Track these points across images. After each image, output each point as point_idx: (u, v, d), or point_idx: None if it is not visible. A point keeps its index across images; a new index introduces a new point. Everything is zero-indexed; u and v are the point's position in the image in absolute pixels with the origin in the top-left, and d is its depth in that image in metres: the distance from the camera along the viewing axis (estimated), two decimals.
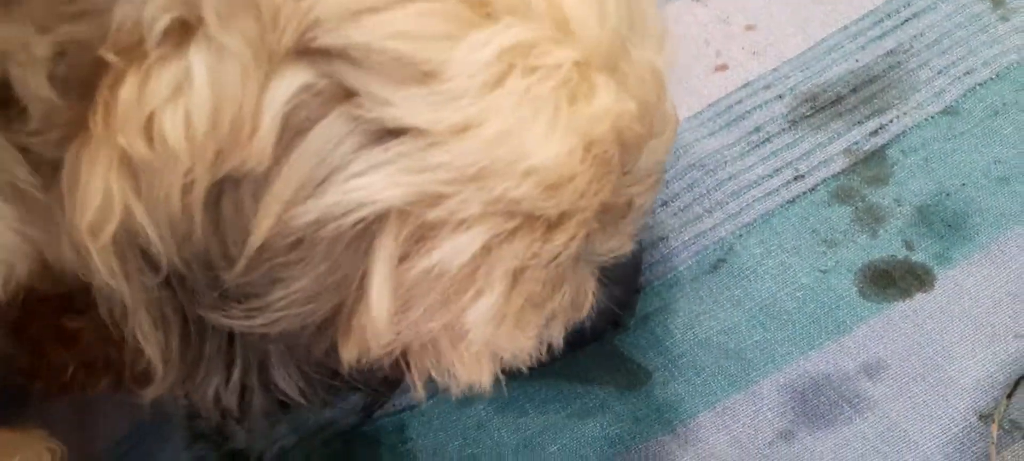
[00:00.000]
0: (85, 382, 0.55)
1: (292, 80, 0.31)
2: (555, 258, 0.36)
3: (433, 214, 0.32)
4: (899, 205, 0.57)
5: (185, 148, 0.30)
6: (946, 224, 0.56)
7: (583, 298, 0.43)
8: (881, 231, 0.56)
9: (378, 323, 0.34)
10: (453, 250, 0.33)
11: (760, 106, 0.62)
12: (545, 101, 0.32)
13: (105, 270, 0.33)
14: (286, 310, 0.34)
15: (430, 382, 0.40)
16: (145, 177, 0.31)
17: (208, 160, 0.31)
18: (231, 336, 0.36)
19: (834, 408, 0.51)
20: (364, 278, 0.33)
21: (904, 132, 0.60)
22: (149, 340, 0.35)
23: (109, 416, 0.56)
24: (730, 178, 0.60)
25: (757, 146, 0.61)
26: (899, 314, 0.53)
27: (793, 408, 0.51)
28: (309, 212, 0.31)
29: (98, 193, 0.31)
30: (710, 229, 0.58)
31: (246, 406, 0.38)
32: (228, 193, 0.32)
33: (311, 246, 0.32)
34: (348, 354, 0.36)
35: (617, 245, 0.43)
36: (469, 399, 0.54)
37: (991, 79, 0.60)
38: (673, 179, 0.60)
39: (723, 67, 0.64)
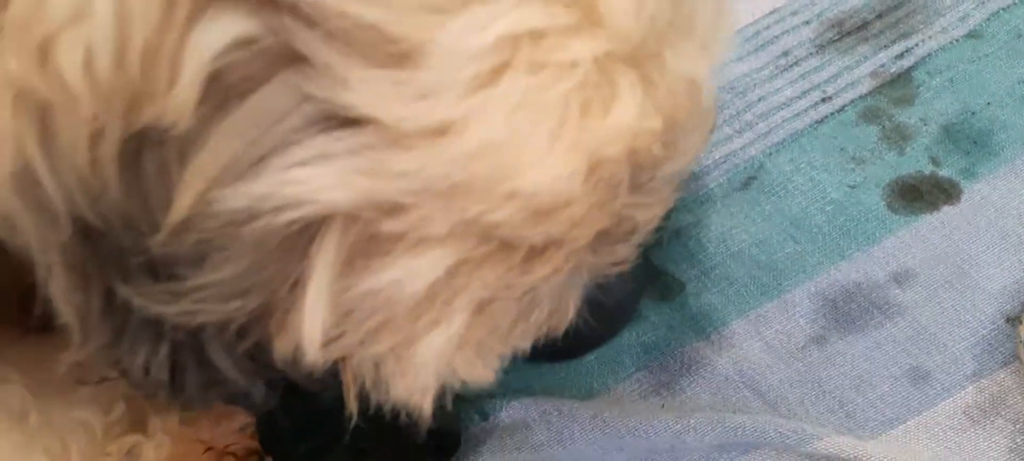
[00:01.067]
0: None
1: (227, 27, 0.25)
2: (532, 290, 0.31)
3: (388, 226, 0.27)
4: (925, 124, 0.58)
5: (87, 88, 0.25)
6: (971, 141, 0.57)
7: (562, 317, 0.37)
8: (908, 148, 0.58)
9: (310, 338, 0.29)
10: (408, 273, 0.28)
11: (788, 31, 0.63)
12: (549, 109, 0.26)
13: (9, 210, 0.28)
14: (204, 303, 0.28)
15: None
16: (44, 116, 0.26)
17: (117, 108, 0.25)
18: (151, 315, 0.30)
19: (865, 314, 0.52)
20: (298, 284, 0.28)
21: (929, 55, 0.61)
22: (65, 301, 0.29)
23: None
24: (759, 100, 0.61)
25: (785, 70, 0.62)
26: (926, 226, 0.55)
27: (825, 315, 0.53)
28: (236, 198, 0.26)
29: None
30: (740, 149, 0.59)
31: (180, 381, 0.33)
32: (150, 150, 0.26)
33: (237, 236, 0.27)
34: (282, 349, 0.31)
35: (612, 263, 0.36)
36: None
37: (1014, 3, 0.61)
38: None
39: None
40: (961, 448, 0.48)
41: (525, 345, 0.37)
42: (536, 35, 0.26)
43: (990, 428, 0.48)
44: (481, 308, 0.30)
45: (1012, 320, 0.51)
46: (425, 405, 0.34)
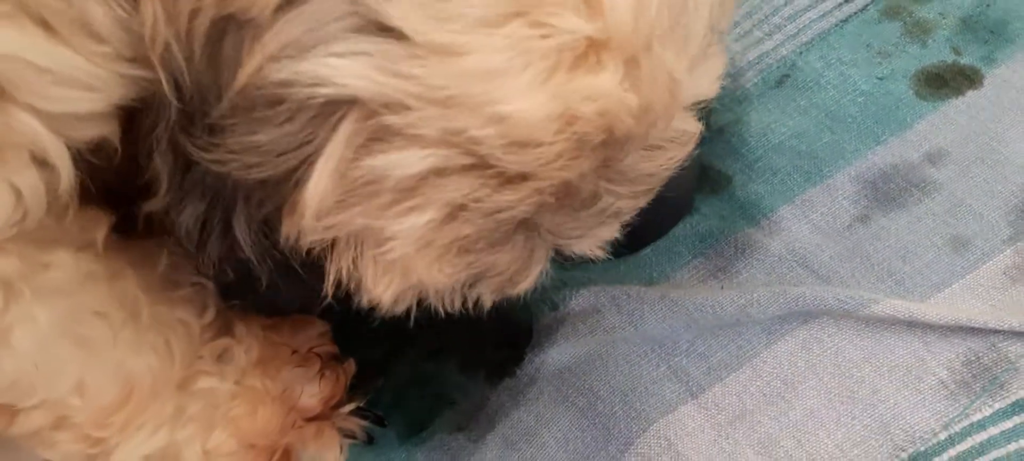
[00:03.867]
0: None
1: None
2: (498, 212, 0.35)
3: (392, 120, 0.32)
4: (944, 17, 0.62)
5: None
6: (989, 30, 0.61)
7: (523, 276, 0.41)
8: (930, 41, 0.61)
9: (313, 203, 0.34)
10: (399, 160, 0.32)
11: None
12: (541, 57, 0.31)
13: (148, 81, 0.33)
14: (245, 157, 0.34)
15: None
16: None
17: None
18: (207, 172, 0.36)
19: (904, 193, 0.56)
20: (312, 162, 0.33)
21: None
22: (161, 157, 0.36)
23: None
24: (785, 3, 0.63)
25: None
26: (953, 109, 0.58)
27: (866, 195, 0.56)
28: (284, 71, 0.31)
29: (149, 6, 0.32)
30: (772, 49, 0.62)
31: (204, 240, 0.38)
32: (231, 32, 0.32)
33: (280, 104, 0.32)
34: (287, 228, 0.36)
35: (578, 240, 0.40)
36: None
37: None
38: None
39: None
40: (1003, 304, 0.51)
41: (484, 298, 0.41)
42: (544, 2, 0.31)
43: None
44: (453, 213, 0.35)
45: None
46: (386, 298, 0.38)
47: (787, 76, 0.61)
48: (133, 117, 0.39)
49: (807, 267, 0.54)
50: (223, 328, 0.48)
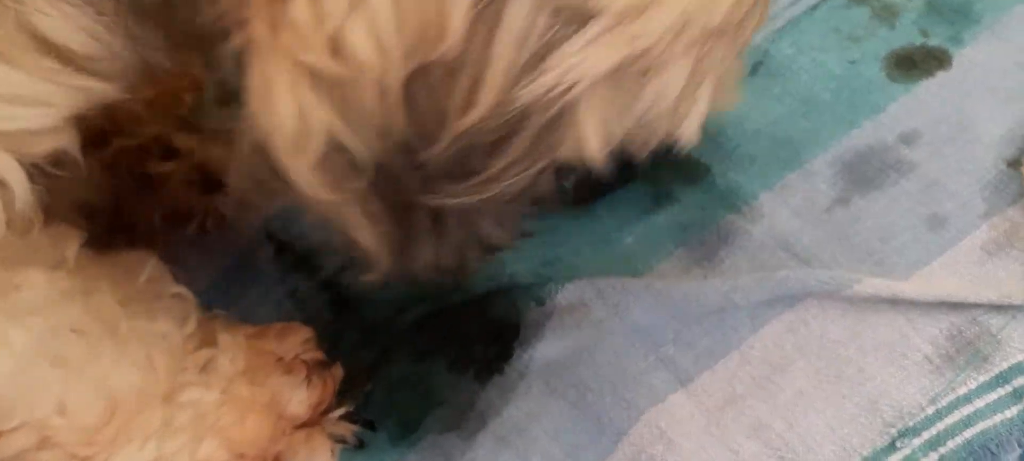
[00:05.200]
0: (170, 231, 0.57)
1: None
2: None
3: (638, 66, 0.33)
4: (910, 0, 0.63)
5: (376, 59, 0.30)
6: (954, 11, 0.62)
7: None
8: (898, 23, 0.62)
9: (594, 145, 0.35)
10: (663, 86, 0.34)
11: None
12: None
13: (307, 186, 0.33)
14: (500, 180, 0.35)
15: None
16: (339, 91, 0.31)
17: (399, 63, 0.31)
18: (436, 210, 0.37)
19: (881, 174, 0.56)
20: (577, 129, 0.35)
21: None
22: (362, 232, 0.36)
23: (193, 268, 0.58)
24: None
25: None
26: (925, 90, 0.59)
27: (844, 178, 0.56)
28: (530, 93, 0.32)
29: (291, 114, 0.31)
30: None
31: (463, 263, 0.41)
32: (419, 81, 0.32)
33: (523, 119, 0.33)
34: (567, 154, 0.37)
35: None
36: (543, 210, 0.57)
37: None
38: None
39: None
40: (982, 279, 0.52)
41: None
42: None
43: (1006, 258, 0.52)
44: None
45: (1012, 163, 0.55)
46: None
47: (760, 63, 0.62)
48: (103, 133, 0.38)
49: (789, 251, 0.54)
50: (206, 338, 0.47)
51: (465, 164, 0.34)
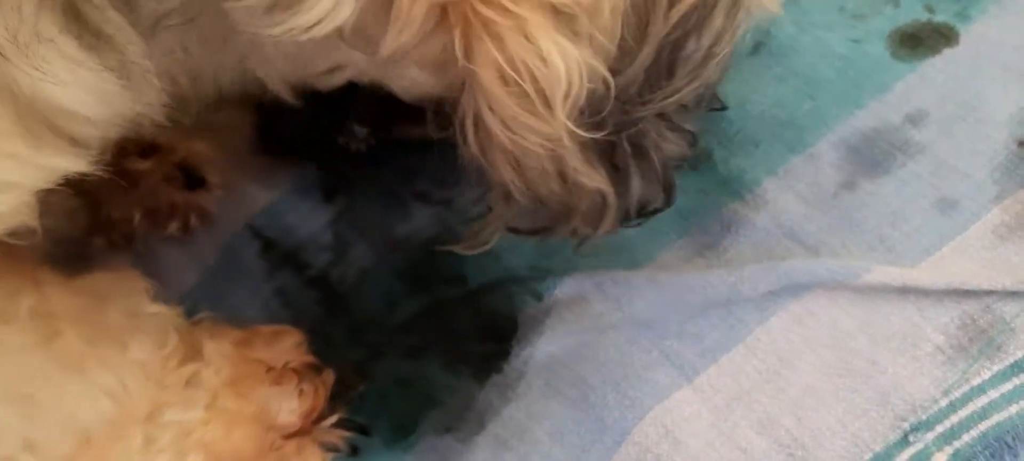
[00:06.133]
0: (151, 230, 0.54)
1: None
2: None
3: None
4: None
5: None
6: None
7: None
8: (903, 1, 0.60)
9: None
10: None
11: None
12: None
13: (567, 135, 0.34)
14: (706, 63, 0.38)
15: None
16: (583, 23, 0.32)
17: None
18: (634, 141, 0.40)
19: (888, 156, 0.54)
20: None
21: None
22: (592, 178, 0.38)
23: (177, 267, 0.55)
24: None
25: None
26: (931, 68, 0.57)
27: (850, 161, 0.55)
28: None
29: (556, 57, 0.32)
30: None
31: (669, 185, 0.44)
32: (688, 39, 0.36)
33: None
34: None
35: None
36: None
37: None
38: None
39: None
40: (994, 264, 0.50)
41: None
42: None
43: (1018, 242, 0.50)
44: None
45: (1023, 143, 0.53)
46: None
47: (761, 43, 0.59)
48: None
49: (795, 239, 0.52)
50: (190, 352, 0.45)
51: (671, 62, 0.37)
